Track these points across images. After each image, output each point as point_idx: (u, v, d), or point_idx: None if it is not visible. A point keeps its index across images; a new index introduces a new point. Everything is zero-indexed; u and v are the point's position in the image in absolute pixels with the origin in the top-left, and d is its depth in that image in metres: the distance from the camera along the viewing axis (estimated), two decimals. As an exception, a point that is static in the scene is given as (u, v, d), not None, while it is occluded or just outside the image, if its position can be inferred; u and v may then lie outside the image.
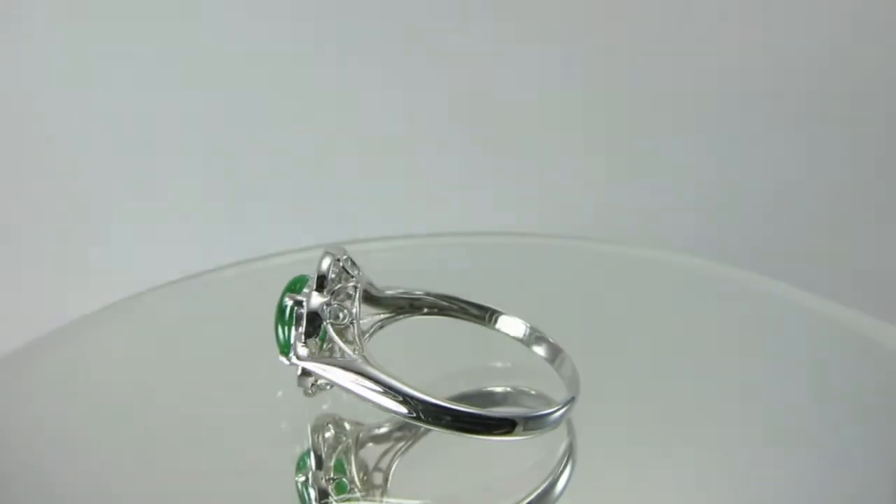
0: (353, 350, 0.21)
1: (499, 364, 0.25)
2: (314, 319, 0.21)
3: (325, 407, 0.23)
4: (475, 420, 0.20)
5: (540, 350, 0.24)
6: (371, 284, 0.23)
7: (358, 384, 0.20)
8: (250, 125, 0.46)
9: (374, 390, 0.20)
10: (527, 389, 0.24)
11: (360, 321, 0.22)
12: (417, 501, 0.21)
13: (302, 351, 0.21)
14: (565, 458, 0.21)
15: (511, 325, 0.24)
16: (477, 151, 0.47)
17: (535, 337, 0.24)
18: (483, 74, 0.46)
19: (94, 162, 0.46)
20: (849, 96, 0.46)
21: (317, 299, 0.21)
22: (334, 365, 0.21)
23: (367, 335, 0.23)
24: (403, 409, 0.20)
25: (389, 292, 0.24)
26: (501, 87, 0.46)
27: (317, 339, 0.21)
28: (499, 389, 0.24)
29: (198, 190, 0.46)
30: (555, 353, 0.23)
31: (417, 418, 0.20)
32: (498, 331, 0.24)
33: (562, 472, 0.21)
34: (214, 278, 0.31)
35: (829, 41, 0.45)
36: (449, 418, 0.20)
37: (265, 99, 0.46)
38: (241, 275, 0.31)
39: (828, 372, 0.26)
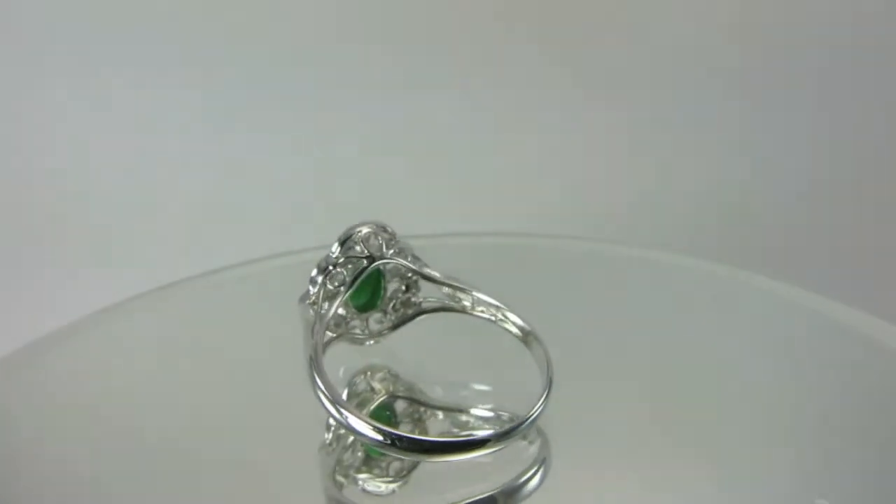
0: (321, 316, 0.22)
1: (477, 386, 0.25)
2: (319, 271, 0.23)
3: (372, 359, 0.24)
4: (444, 446, 0.20)
5: (511, 329, 0.24)
6: (414, 270, 0.23)
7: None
8: (250, 124, 0.46)
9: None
10: (500, 413, 0.24)
11: (418, 303, 0.24)
12: (394, 484, 0.21)
13: (306, 294, 0.23)
14: (539, 463, 0.21)
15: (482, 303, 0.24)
16: (476, 151, 0.47)
17: (505, 315, 0.24)
18: (482, 72, 0.46)
19: (95, 162, 0.46)
20: (850, 95, 0.46)
21: (328, 257, 0.23)
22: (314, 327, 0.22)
23: (393, 322, 0.24)
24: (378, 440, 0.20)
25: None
26: (501, 84, 0.46)
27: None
28: (477, 412, 0.24)
29: (199, 190, 0.46)
30: (525, 333, 0.23)
31: (394, 446, 0.20)
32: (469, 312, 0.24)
33: (538, 471, 0.21)
34: (216, 279, 0.31)
35: (830, 40, 0.45)
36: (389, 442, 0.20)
37: (265, 98, 0.46)
38: (242, 276, 0.31)
39: (828, 372, 0.26)
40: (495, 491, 0.20)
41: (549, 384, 0.21)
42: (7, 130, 0.45)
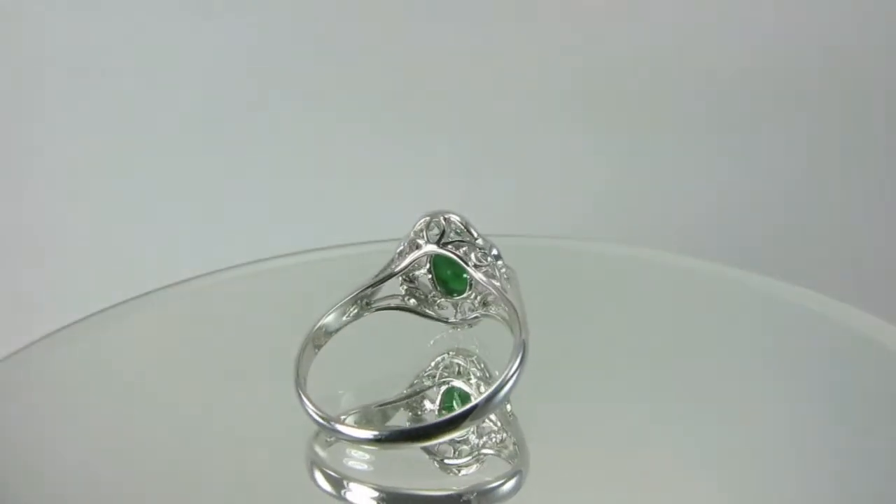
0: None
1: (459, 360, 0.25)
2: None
3: (437, 338, 0.25)
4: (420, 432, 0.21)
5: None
6: (464, 267, 0.24)
7: None
8: (249, 127, 0.46)
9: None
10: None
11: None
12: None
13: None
14: (519, 467, 0.21)
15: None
16: (476, 152, 0.47)
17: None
18: (481, 72, 0.46)
19: (95, 161, 0.46)
20: (850, 95, 0.46)
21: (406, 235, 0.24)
22: None
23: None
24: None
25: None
26: (500, 85, 0.46)
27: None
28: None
29: (198, 193, 0.46)
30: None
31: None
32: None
33: (516, 475, 0.21)
34: (217, 280, 0.31)
35: (831, 40, 0.45)
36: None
37: (261, 101, 0.46)
38: (241, 277, 0.31)
39: (828, 372, 0.26)
40: (469, 490, 0.21)
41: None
42: (6, 131, 0.45)
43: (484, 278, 0.23)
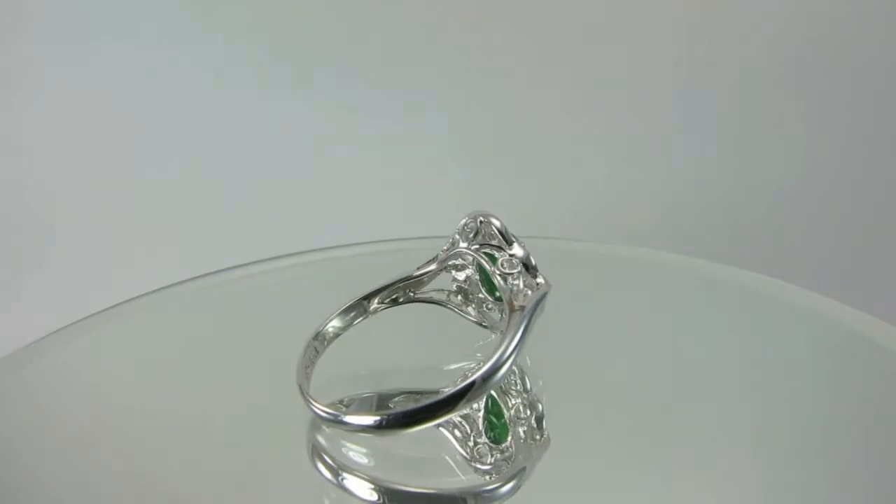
0: None
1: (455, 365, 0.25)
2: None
3: (480, 343, 0.25)
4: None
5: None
6: (483, 269, 0.24)
7: None
8: (249, 127, 0.46)
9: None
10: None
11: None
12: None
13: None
14: (517, 470, 0.21)
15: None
16: (475, 152, 0.47)
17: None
18: (480, 73, 0.46)
19: (96, 164, 0.46)
20: (849, 96, 0.46)
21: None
22: None
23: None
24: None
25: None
26: (499, 85, 0.46)
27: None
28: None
29: (197, 195, 0.47)
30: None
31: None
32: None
33: (512, 478, 0.21)
34: (214, 281, 0.31)
35: (830, 40, 0.45)
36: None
37: (261, 100, 0.46)
38: (242, 277, 0.31)
39: (828, 373, 0.26)
40: (463, 490, 0.21)
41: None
42: (6, 132, 0.45)
43: (501, 282, 0.23)
